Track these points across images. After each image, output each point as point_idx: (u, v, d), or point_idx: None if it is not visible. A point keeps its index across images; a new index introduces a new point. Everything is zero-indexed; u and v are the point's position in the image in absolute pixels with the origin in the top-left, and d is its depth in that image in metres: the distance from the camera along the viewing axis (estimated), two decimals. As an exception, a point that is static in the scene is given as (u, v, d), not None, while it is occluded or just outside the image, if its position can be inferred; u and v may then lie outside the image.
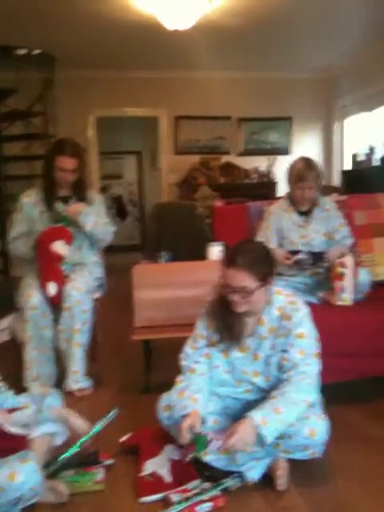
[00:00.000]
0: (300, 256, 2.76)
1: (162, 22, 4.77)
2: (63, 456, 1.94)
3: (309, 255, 2.77)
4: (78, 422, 1.96)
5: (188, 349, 2.08)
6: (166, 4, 4.56)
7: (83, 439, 1.96)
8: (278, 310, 1.99)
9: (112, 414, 2.10)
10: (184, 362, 2.07)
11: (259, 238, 2.94)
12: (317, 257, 2.76)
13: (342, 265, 2.66)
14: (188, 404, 1.90)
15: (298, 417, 1.84)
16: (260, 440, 1.78)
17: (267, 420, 1.77)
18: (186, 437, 1.83)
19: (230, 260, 1.91)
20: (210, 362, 2.05)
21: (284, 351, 1.95)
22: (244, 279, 1.87)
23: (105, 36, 5.44)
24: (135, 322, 2.87)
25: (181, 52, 5.94)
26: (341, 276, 2.65)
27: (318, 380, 1.95)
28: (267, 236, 2.94)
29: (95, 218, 2.98)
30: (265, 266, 1.93)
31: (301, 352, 1.92)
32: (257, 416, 1.78)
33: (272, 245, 2.93)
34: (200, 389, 1.98)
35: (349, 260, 2.66)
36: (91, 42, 5.64)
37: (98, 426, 2.03)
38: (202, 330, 2.07)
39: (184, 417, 1.87)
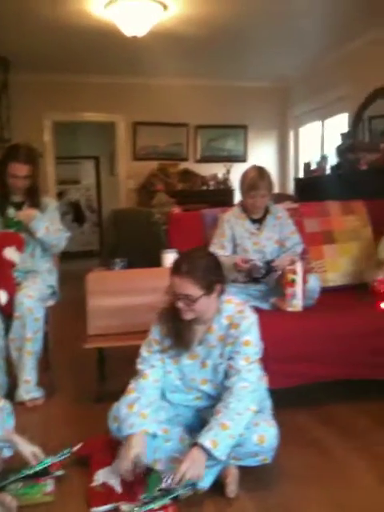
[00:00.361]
0: (255, 262, 2.79)
1: (120, 28, 4.78)
2: (10, 479, 1.90)
3: (263, 264, 2.81)
4: (27, 450, 1.94)
5: (144, 352, 2.07)
6: (123, 11, 4.56)
7: (29, 471, 1.92)
8: (227, 319, 2.01)
9: (66, 452, 2.05)
10: (140, 366, 2.06)
11: (214, 246, 2.97)
12: (269, 266, 2.80)
13: (293, 271, 2.71)
14: (136, 422, 1.88)
15: (246, 425, 1.85)
16: (213, 459, 1.79)
17: (217, 440, 1.78)
18: (127, 465, 1.82)
19: (175, 268, 1.92)
20: (164, 366, 2.05)
21: (230, 359, 1.97)
22: (188, 287, 1.89)
23: (62, 41, 5.39)
24: (88, 330, 2.85)
25: (139, 58, 5.95)
26: (292, 282, 2.70)
27: (259, 385, 2.00)
28: (222, 243, 2.98)
29: (48, 224, 2.94)
30: (211, 274, 1.94)
31: (246, 359, 1.94)
32: (206, 440, 1.78)
33: (227, 252, 2.96)
34: (150, 402, 1.96)
35: (299, 267, 2.71)
36: (48, 46, 5.58)
37: (47, 460, 1.98)
38: (155, 335, 2.07)
39: (129, 437, 1.86)
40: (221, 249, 2.96)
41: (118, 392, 2.10)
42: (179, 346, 2.01)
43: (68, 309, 4.23)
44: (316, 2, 4.48)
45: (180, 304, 1.92)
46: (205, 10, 4.69)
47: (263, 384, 2.07)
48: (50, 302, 3.04)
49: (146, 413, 1.92)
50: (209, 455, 1.78)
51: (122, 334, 2.80)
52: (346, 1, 4.47)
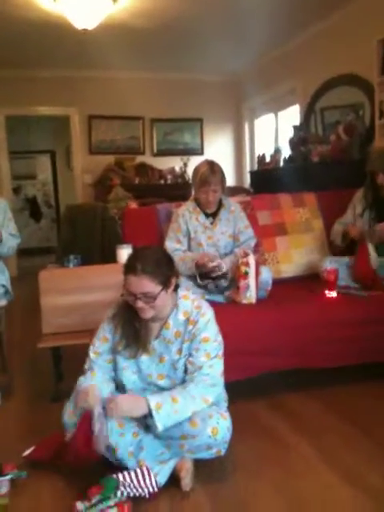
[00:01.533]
0: (217, 263, 2.82)
1: (71, 20, 4.70)
2: None
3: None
4: None
5: (91, 354, 2.07)
6: (72, 3, 4.50)
7: None
8: (184, 315, 2.02)
9: (21, 474, 2.00)
10: (86, 367, 2.08)
11: (170, 240, 2.99)
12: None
13: (246, 264, 2.74)
14: (85, 383, 1.96)
15: (197, 413, 1.89)
16: (153, 425, 1.84)
17: (162, 406, 1.83)
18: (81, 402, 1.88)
19: (130, 267, 1.91)
20: (118, 363, 2.05)
21: (190, 355, 1.99)
22: (146, 285, 1.89)
23: (11, 34, 5.28)
24: (43, 329, 2.83)
25: (91, 51, 5.89)
26: (245, 275, 2.73)
27: (221, 380, 2.02)
28: (178, 237, 2.99)
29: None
30: (165, 268, 1.95)
31: (206, 355, 1.98)
32: (153, 400, 1.84)
33: (183, 246, 2.98)
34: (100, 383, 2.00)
35: (251, 259, 2.75)
36: (-4, 40, 5.46)
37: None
38: (107, 332, 2.06)
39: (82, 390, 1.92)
40: (177, 243, 2.98)
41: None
42: (136, 344, 2.01)
43: (26, 307, 4.19)
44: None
45: (139, 303, 1.91)
46: (154, 3, 4.67)
47: (222, 379, 2.09)
48: (3, 302, 2.99)
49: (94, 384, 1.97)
50: (150, 415, 1.83)
51: (77, 332, 2.79)
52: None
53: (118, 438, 1.92)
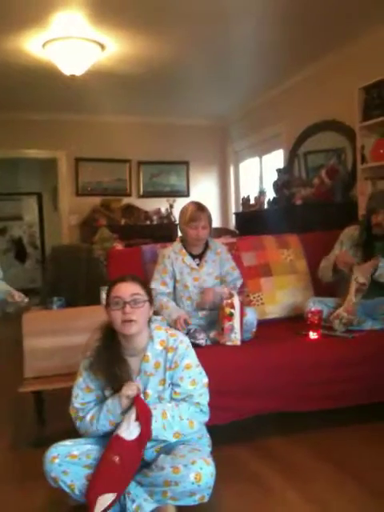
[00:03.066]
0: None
1: (59, 67, 4.82)
2: None
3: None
4: None
5: (78, 405, 2.03)
6: (61, 50, 4.61)
7: None
8: (161, 344, 2.03)
9: None
10: (80, 414, 2.02)
11: (155, 281, 2.98)
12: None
13: (231, 305, 2.74)
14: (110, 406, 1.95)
15: (182, 432, 1.94)
16: None
17: (156, 420, 1.89)
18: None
19: (118, 279, 2.00)
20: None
21: (175, 385, 1.99)
22: (136, 288, 1.98)
23: (0, 78, 5.38)
24: (25, 373, 2.77)
25: (79, 96, 6.02)
26: (230, 316, 2.73)
27: (208, 410, 2.03)
28: (164, 279, 2.98)
29: None
30: (147, 290, 2.05)
31: (192, 382, 2.00)
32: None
33: (168, 288, 2.97)
34: None
35: (236, 300, 2.75)
36: (-15, 84, 5.56)
37: None
38: (88, 382, 2.03)
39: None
40: (162, 285, 2.97)
41: (58, 436, 2.04)
42: (118, 382, 1.99)
43: (9, 349, 4.11)
44: (249, 43, 4.68)
45: (127, 309, 1.93)
46: (141, 50, 4.82)
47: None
48: (-15, 345, 2.94)
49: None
50: None
51: (60, 375, 2.74)
52: (276, 43, 4.70)
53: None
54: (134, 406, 1.89)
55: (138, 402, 1.90)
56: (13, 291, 2.96)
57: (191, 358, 2.04)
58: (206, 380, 2.05)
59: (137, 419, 1.86)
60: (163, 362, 2.01)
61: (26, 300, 2.97)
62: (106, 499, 1.79)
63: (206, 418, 2.03)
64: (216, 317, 2.90)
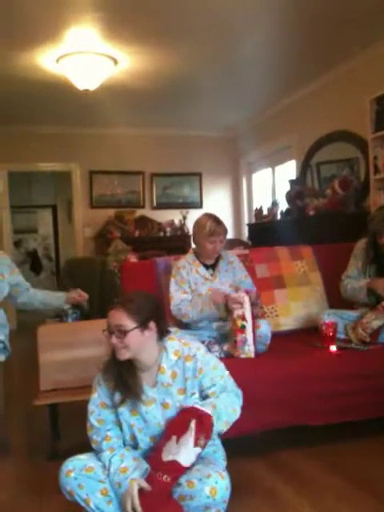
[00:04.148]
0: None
1: (72, 81, 4.89)
2: None
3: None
4: None
5: (95, 423, 2.02)
6: (74, 65, 4.69)
7: None
8: (175, 354, 2.02)
9: None
10: (95, 437, 2.01)
11: (176, 293, 2.97)
12: None
13: (243, 318, 2.73)
14: (121, 479, 1.86)
15: (229, 421, 1.95)
16: None
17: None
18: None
19: (112, 304, 1.97)
20: (123, 422, 2.02)
21: (208, 387, 2.00)
22: (121, 318, 1.92)
23: (15, 94, 5.49)
24: (41, 386, 2.79)
25: (92, 110, 6.10)
26: (242, 329, 2.71)
27: (240, 392, 2.08)
28: (183, 288, 2.98)
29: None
30: (147, 311, 1.97)
31: (221, 377, 2.04)
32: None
33: (190, 296, 2.96)
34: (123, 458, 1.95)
35: (248, 312, 2.73)
36: (1, 99, 5.65)
37: None
38: (103, 397, 2.03)
39: (123, 495, 1.83)
40: (184, 294, 2.96)
41: (73, 449, 2.05)
42: (129, 395, 1.99)
43: (24, 362, 4.14)
44: (259, 55, 4.72)
45: (113, 340, 1.92)
46: (153, 65, 4.87)
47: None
48: (1, 358, 2.96)
49: (125, 466, 1.90)
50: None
51: (76, 388, 2.75)
52: (286, 54, 4.73)
53: (106, 505, 1.87)
54: (189, 429, 1.85)
55: (197, 414, 1.89)
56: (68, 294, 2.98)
57: (213, 359, 2.07)
58: (227, 371, 2.10)
59: (196, 445, 1.83)
60: (181, 372, 2.00)
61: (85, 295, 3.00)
62: None
63: (241, 402, 2.06)
64: (229, 328, 2.89)
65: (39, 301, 2.98)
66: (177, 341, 2.07)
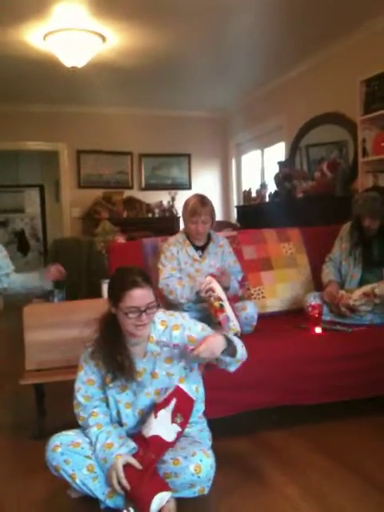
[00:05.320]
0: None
1: (60, 59, 4.80)
2: None
3: None
4: None
5: (82, 400, 2.02)
6: (62, 42, 4.60)
7: None
8: (162, 324, 2.07)
9: None
10: (82, 414, 2.02)
11: (164, 268, 2.96)
12: None
13: (218, 298, 2.72)
14: (107, 455, 1.87)
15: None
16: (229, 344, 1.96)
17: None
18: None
19: (132, 282, 1.93)
20: (110, 399, 2.03)
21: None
22: (150, 295, 1.96)
23: (1, 70, 5.35)
24: (26, 365, 2.79)
25: (80, 88, 6.01)
26: (221, 308, 2.70)
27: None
28: (172, 265, 2.97)
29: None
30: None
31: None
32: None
33: (178, 274, 2.96)
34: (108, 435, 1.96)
35: (220, 291, 2.73)
36: (-15, 75, 5.55)
37: None
38: (90, 374, 2.04)
39: (109, 470, 1.85)
40: (172, 270, 2.96)
41: (58, 428, 2.04)
42: (123, 375, 1.99)
43: (10, 341, 4.13)
44: (250, 35, 4.66)
45: (144, 317, 1.93)
46: (142, 42, 4.79)
47: None
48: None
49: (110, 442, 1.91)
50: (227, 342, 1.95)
51: (61, 368, 2.75)
52: (277, 34, 4.67)
53: (91, 481, 1.89)
54: (168, 406, 1.90)
55: (180, 394, 1.92)
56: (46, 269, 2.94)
57: (198, 324, 2.11)
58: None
59: (173, 421, 1.87)
60: (168, 339, 2.04)
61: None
62: (163, 498, 1.80)
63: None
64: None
65: (19, 285, 2.95)
66: (161, 312, 2.11)
